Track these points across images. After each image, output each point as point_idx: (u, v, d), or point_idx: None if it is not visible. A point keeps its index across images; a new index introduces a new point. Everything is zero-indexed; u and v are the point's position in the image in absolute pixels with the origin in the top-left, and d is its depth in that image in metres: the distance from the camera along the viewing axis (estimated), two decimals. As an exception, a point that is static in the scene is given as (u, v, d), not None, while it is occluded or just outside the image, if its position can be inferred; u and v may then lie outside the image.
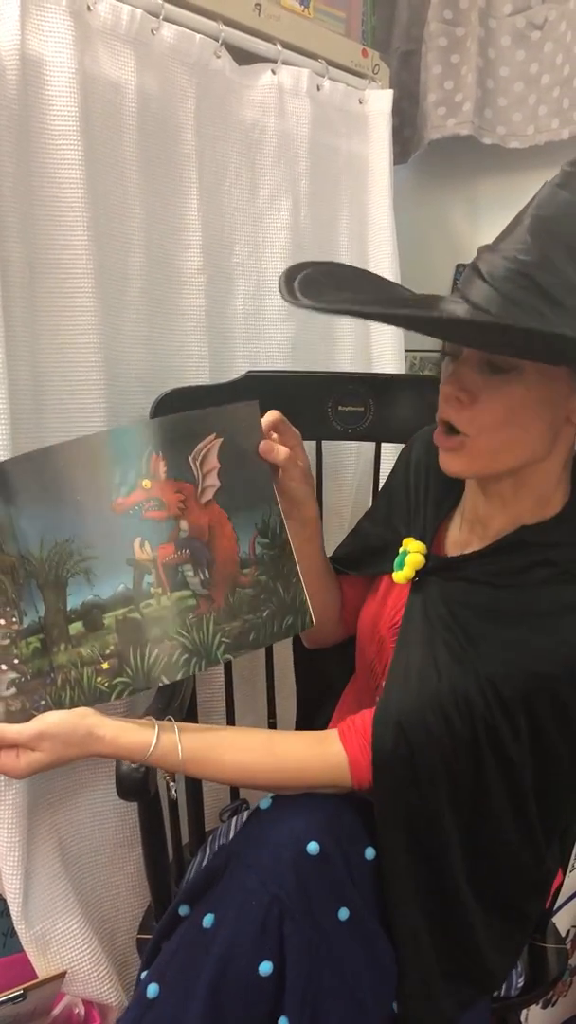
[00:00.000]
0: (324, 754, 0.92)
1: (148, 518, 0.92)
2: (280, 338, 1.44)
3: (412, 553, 0.98)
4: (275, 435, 0.99)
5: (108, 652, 0.91)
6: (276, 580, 0.97)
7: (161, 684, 0.94)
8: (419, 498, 1.06)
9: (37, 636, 0.91)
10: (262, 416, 0.97)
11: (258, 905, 0.84)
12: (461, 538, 0.99)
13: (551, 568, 0.89)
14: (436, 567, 0.97)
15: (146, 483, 0.92)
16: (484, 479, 0.93)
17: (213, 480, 0.95)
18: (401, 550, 1.00)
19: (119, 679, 0.92)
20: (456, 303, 0.81)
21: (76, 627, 0.91)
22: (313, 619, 0.98)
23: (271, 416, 0.98)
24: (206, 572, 0.94)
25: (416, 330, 0.85)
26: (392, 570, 1.02)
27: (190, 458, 0.93)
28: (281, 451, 0.97)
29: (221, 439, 0.95)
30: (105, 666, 0.91)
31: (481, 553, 0.94)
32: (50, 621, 0.91)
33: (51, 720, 0.88)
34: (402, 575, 0.98)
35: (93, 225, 1.15)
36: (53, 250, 1.13)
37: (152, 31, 1.22)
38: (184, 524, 0.93)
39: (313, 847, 0.86)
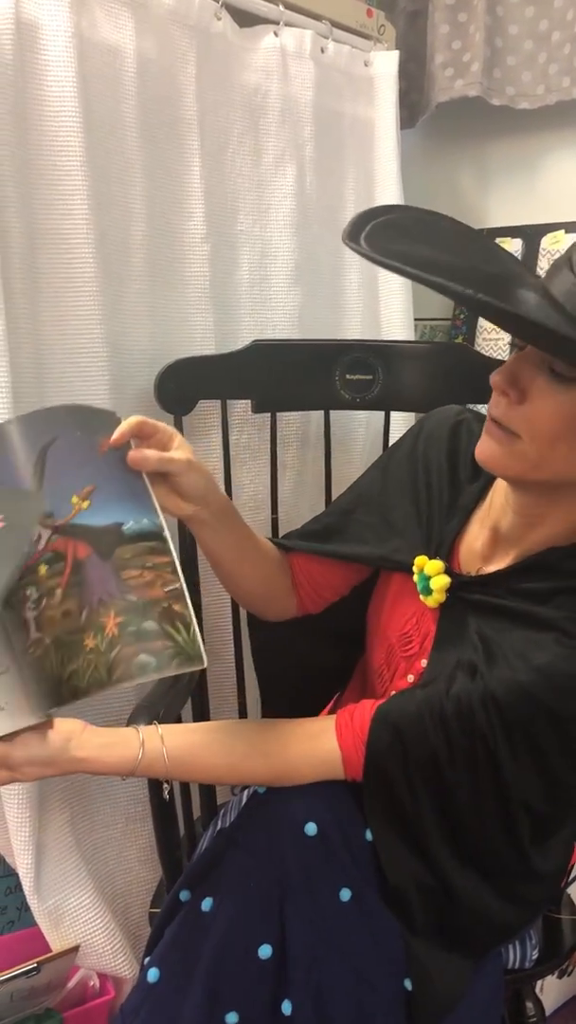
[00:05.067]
0: (316, 752, 0.90)
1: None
2: (287, 306, 1.42)
3: (435, 577, 0.92)
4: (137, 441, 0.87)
5: None
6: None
7: None
8: (431, 504, 1.00)
9: None
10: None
11: (256, 888, 0.84)
12: (484, 552, 0.94)
13: None
14: (464, 585, 0.92)
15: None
16: (514, 490, 0.88)
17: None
18: (417, 571, 0.95)
19: None
20: (533, 291, 0.76)
21: None
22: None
23: (129, 423, 0.85)
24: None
25: (482, 316, 0.77)
26: (391, 568, 0.99)
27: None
28: (150, 457, 0.85)
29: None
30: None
31: (508, 572, 0.89)
32: None
33: (34, 747, 0.84)
34: (433, 600, 0.93)
35: (93, 194, 1.13)
36: (52, 219, 1.11)
37: (150, -7, 1.19)
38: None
39: (311, 828, 0.85)
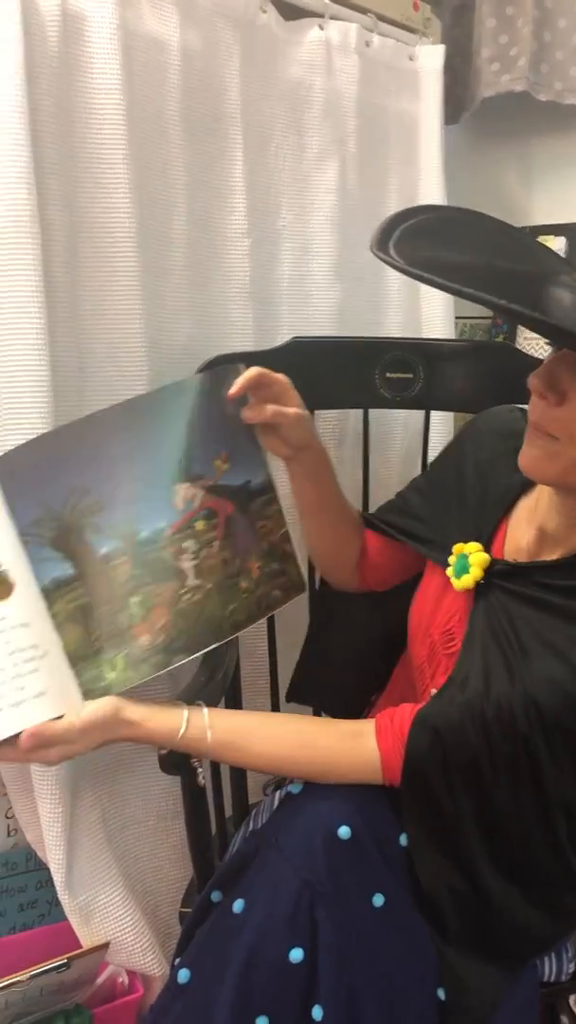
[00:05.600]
0: (357, 750, 0.89)
1: None
2: (326, 304, 1.41)
3: (474, 555, 0.93)
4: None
5: None
6: None
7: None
8: (473, 498, 1.00)
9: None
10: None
11: (288, 891, 0.83)
12: (530, 548, 0.93)
13: None
14: (503, 571, 0.92)
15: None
16: (557, 492, 0.87)
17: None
18: (456, 555, 0.95)
19: None
20: (568, 290, 0.76)
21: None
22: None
23: (247, 377, 0.95)
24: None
25: (513, 320, 0.80)
26: (436, 561, 0.99)
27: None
28: (265, 412, 0.95)
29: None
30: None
31: (553, 565, 0.89)
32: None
33: (86, 714, 0.88)
34: (470, 579, 0.92)
35: (135, 187, 1.12)
36: (94, 213, 1.11)
37: (196, -15, 1.18)
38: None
39: (344, 831, 0.84)
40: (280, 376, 0.97)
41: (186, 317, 1.24)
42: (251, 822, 1.16)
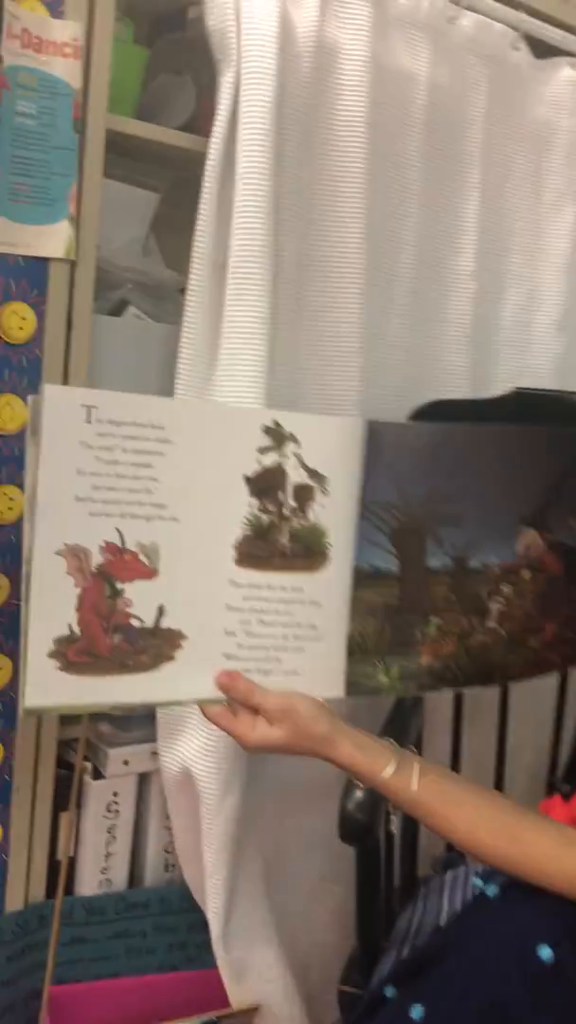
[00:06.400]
0: (571, 860, 0.78)
1: None
2: (547, 355, 1.33)
3: None
4: None
5: None
6: None
7: None
8: None
9: None
10: None
11: (475, 1009, 0.74)
12: None
13: None
14: None
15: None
16: None
17: None
18: None
19: None
20: None
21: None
22: None
23: None
24: None
25: None
26: None
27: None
28: None
29: None
30: None
31: None
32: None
33: (302, 702, 0.82)
34: None
35: (368, 222, 1.09)
36: (325, 246, 1.08)
37: (450, 19, 1.15)
38: None
39: (546, 953, 0.73)
40: None
41: (402, 356, 1.19)
42: (419, 902, 1.08)
